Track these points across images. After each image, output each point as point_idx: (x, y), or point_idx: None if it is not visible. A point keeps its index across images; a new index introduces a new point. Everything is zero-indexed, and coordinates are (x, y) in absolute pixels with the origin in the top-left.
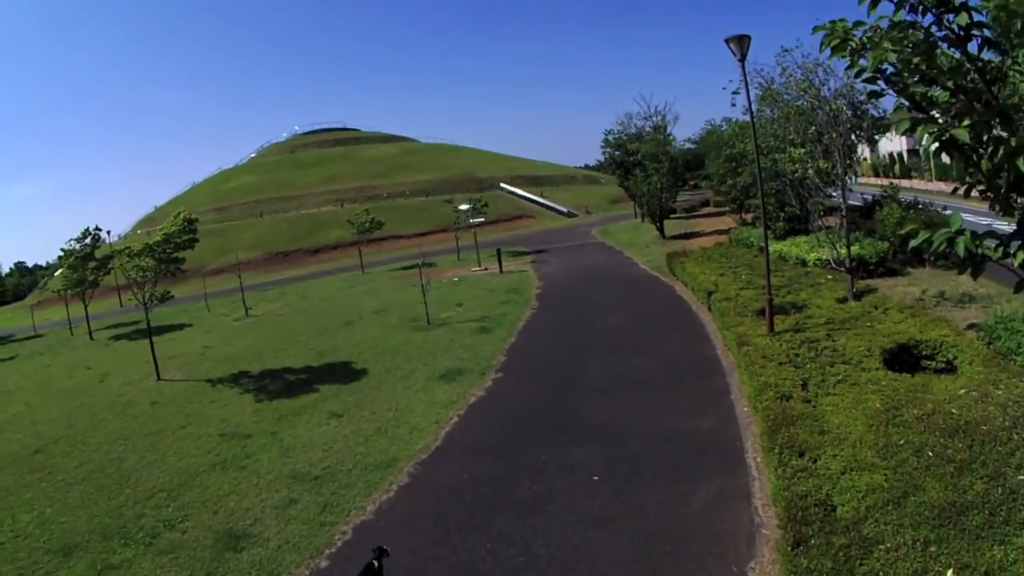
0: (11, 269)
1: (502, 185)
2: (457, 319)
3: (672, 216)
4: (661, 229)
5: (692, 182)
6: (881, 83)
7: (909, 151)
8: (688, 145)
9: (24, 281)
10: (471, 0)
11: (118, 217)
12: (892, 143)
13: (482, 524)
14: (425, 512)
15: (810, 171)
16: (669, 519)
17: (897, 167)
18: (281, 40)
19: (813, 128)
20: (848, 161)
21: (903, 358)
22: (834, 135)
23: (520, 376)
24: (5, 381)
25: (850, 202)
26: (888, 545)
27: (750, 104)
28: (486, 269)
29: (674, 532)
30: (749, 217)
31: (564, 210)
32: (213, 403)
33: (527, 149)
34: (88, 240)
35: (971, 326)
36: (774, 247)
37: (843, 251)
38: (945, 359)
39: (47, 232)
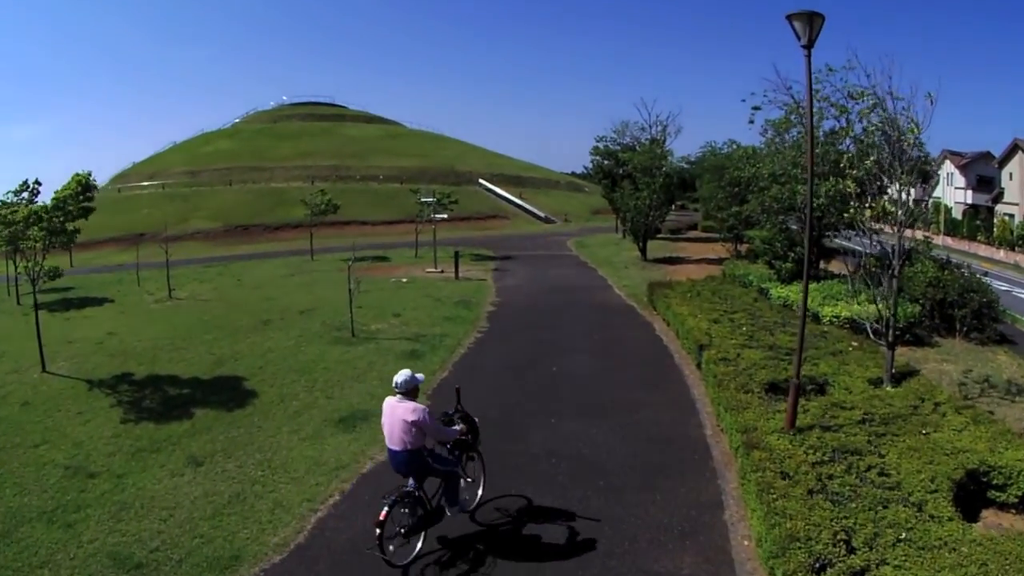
0: None
1: (480, 181)
2: (388, 334)
3: (656, 236)
4: (643, 250)
5: (680, 203)
6: None
7: (916, 200)
8: (683, 164)
9: None
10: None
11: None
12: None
13: None
14: None
15: (867, 212)
16: None
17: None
18: (289, 6)
19: (871, 159)
20: (909, 205)
21: (967, 486)
22: (901, 172)
23: None
24: None
25: (861, 250)
26: None
27: (811, 103)
28: (442, 272)
29: None
30: (744, 249)
31: (542, 215)
32: (80, 415)
33: (514, 148)
34: (25, 194)
35: None
36: (778, 292)
37: (884, 310)
38: (1021, 493)
39: (41, 175)
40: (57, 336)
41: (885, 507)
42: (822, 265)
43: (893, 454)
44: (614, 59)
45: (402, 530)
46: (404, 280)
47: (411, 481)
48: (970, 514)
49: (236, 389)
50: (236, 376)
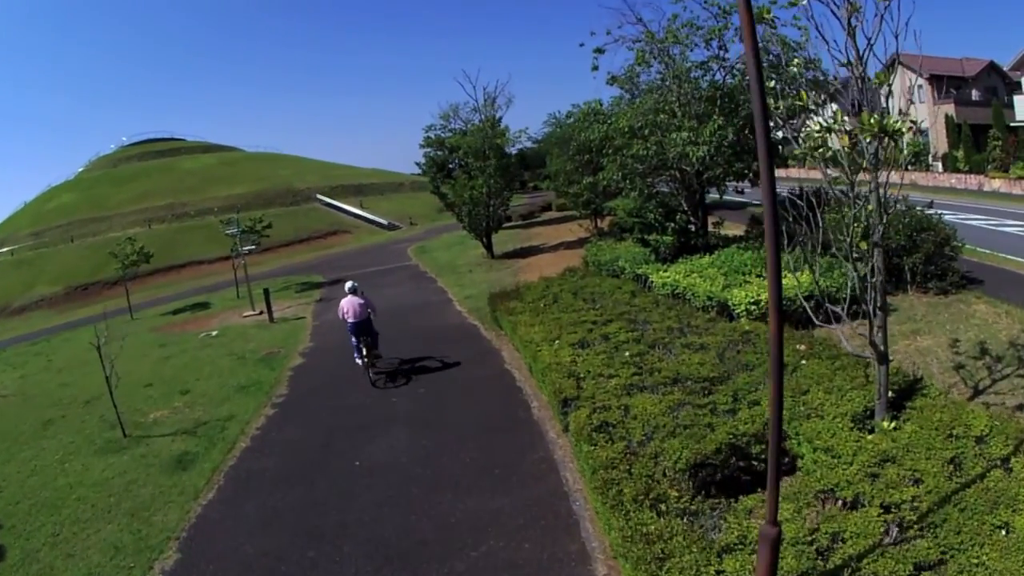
0: None
1: (318, 196)
2: (165, 426)
3: (505, 226)
4: (489, 245)
5: (532, 184)
6: None
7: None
8: (528, 143)
9: None
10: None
11: None
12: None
13: None
14: None
15: (844, 138)
16: None
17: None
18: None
19: (796, 59)
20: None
21: None
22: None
23: None
24: None
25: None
26: None
27: None
28: (260, 313)
29: None
30: (606, 224)
31: (385, 222)
32: None
33: (357, 156)
34: None
35: None
36: (661, 278)
37: (851, 289)
38: None
39: None
40: None
41: None
42: (710, 228)
43: None
44: (449, 50)
45: (365, 361)
46: (214, 333)
47: (353, 340)
48: None
49: None
50: None
